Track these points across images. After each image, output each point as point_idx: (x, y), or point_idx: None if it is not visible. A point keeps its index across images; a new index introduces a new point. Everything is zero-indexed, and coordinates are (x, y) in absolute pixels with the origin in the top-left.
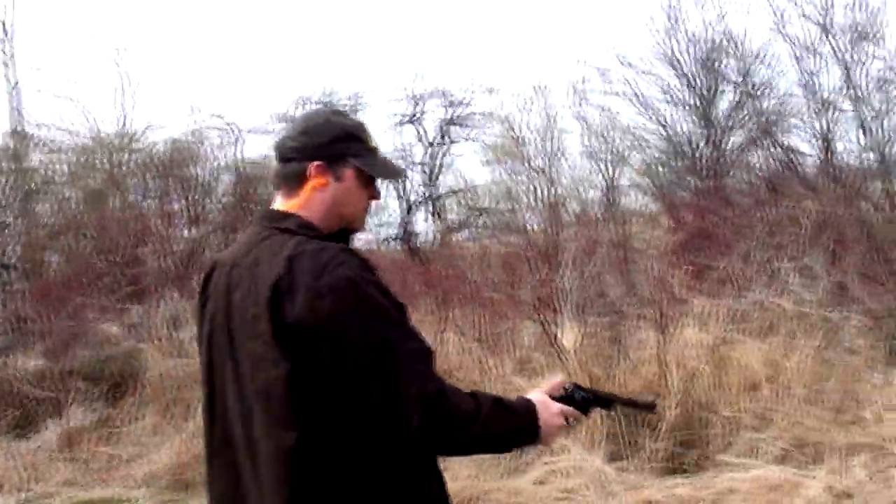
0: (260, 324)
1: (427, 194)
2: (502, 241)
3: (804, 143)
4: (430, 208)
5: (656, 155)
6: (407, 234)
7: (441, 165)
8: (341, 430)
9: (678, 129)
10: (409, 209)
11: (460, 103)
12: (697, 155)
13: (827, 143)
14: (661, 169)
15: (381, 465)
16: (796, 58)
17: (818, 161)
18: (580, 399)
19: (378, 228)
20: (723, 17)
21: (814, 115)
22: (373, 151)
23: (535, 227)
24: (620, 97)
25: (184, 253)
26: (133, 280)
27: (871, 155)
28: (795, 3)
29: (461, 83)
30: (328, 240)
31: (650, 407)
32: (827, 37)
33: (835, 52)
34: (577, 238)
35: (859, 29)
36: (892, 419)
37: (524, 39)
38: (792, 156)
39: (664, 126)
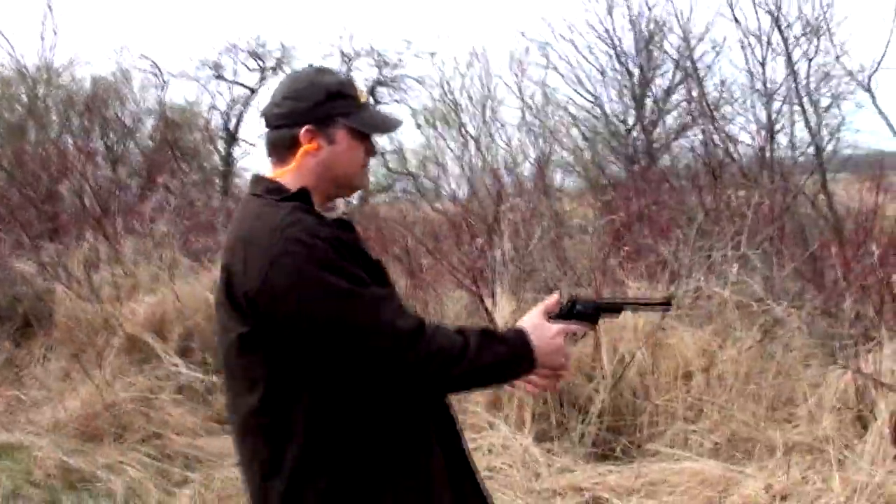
0: (221, 291)
1: None
2: (434, 208)
3: (745, 133)
4: None
5: (589, 134)
6: None
7: None
8: (313, 392)
9: (612, 109)
10: None
11: (392, 64)
12: (631, 136)
13: (770, 134)
14: (594, 148)
15: (360, 427)
16: (742, 46)
17: (758, 152)
18: (583, 311)
19: None
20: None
21: (757, 105)
22: (363, 107)
23: (465, 195)
24: (557, 72)
25: (103, 193)
26: (50, 217)
27: (811, 149)
28: None
29: (394, 44)
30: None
31: (666, 304)
32: (776, 27)
33: (784, 42)
34: (514, 210)
35: (809, 22)
36: (828, 419)
37: (464, 6)
38: (731, 144)
39: (599, 105)
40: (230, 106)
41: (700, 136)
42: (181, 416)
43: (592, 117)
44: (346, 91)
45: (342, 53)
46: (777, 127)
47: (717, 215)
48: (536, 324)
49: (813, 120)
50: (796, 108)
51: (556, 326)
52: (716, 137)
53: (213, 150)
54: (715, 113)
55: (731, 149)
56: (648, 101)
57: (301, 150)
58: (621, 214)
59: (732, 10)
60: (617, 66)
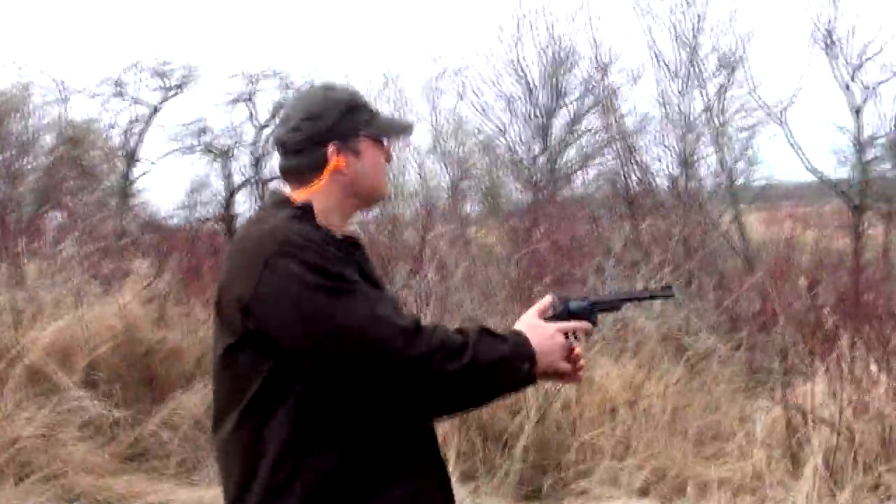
0: (214, 305)
1: (253, 176)
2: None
3: (658, 163)
4: (256, 191)
5: (498, 163)
6: (228, 216)
7: (270, 148)
8: (289, 410)
9: (519, 137)
10: (233, 191)
11: (296, 87)
12: (538, 164)
13: (685, 165)
14: (502, 177)
15: (334, 449)
16: (657, 78)
17: (673, 183)
18: (579, 311)
19: (198, 207)
20: (574, 28)
21: (672, 136)
22: (376, 114)
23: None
24: (466, 101)
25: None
26: None
27: (725, 181)
28: (669, 23)
29: (301, 67)
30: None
31: (667, 292)
32: (692, 60)
33: (700, 75)
34: (437, 239)
35: (725, 55)
36: (758, 455)
37: (378, 31)
38: (647, 174)
39: (505, 134)
40: (131, 124)
41: (613, 166)
42: (86, 454)
43: (502, 147)
44: (360, 102)
45: (246, 74)
46: (692, 158)
47: (637, 245)
48: (533, 324)
49: (727, 152)
50: (711, 139)
51: (554, 325)
52: (632, 168)
53: (111, 168)
54: (630, 143)
55: (647, 179)
56: (555, 130)
57: (329, 169)
58: (542, 244)
59: (650, 42)
60: (524, 94)
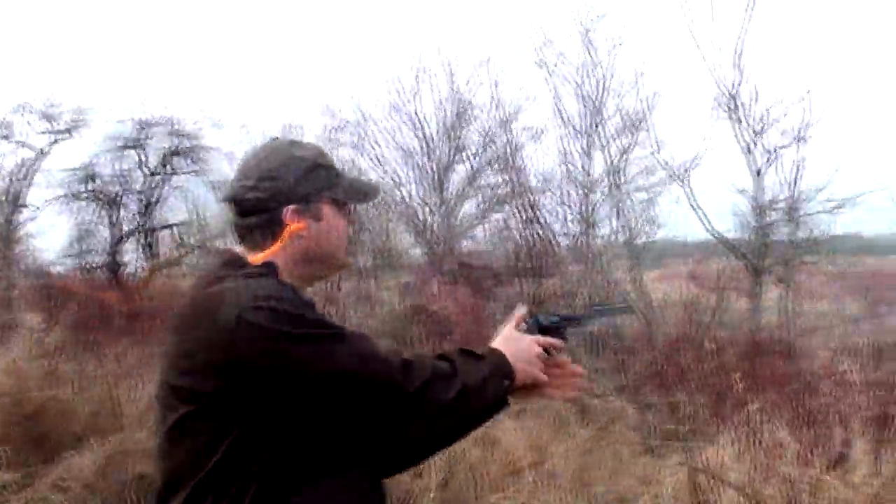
0: (162, 379)
1: (141, 225)
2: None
3: (558, 222)
4: (143, 239)
5: (393, 216)
6: (115, 264)
7: (160, 196)
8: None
9: (414, 193)
10: (121, 239)
11: (187, 135)
12: (433, 220)
13: (587, 225)
14: (397, 230)
15: None
16: (560, 137)
17: (573, 242)
18: (550, 326)
19: (84, 255)
20: (476, 82)
21: (574, 196)
22: (340, 175)
23: None
24: (363, 154)
25: None
26: None
27: (622, 239)
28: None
29: (194, 113)
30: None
31: (625, 307)
32: (596, 120)
33: (603, 135)
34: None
35: (628, 115)
36: None
37: (276, 81)
38: (549, 233)
39: (401, 188)
40: (17, 168)
41: (512, 222)
42: None
43: (396, 201)
44: (324, 162)
45: (136, 120)
46: (593, 218)
47: (539, 305)
48: (510, 336)
49: (629, 212)
50: (614, 199)
51: (529, 337)
52: (533, 227)
53: None
54: (532, 200)
55: (549, 237)
56: (452, 185)
57: (287, 232)
58: (444, 302)
59: (555, 100)
60: (421, 148)
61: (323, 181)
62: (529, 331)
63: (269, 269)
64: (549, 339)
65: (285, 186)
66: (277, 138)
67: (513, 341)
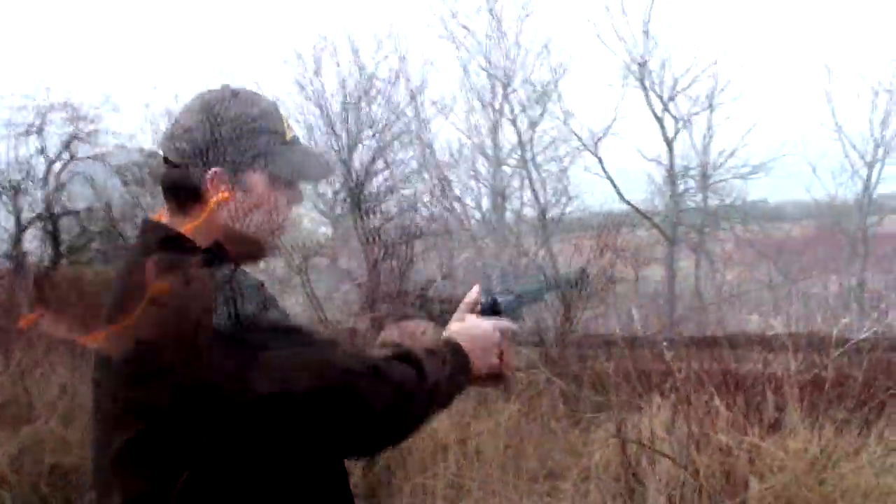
0: (103, 392)
1: (45, 212)
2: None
3: (470, 197)
4: (46, 226)
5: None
6: (18, 253)
7: (63, 182)
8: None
9: None
10: (24, 227)
11: (88, 119)
12: (339, 197)
13: (500, 197)
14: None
15: None
16: (469, 110)
17: (486, 215)
18: (506, 306)
19: None
20: (381, 56)
21: (485, 169)
22: (288, 144)
23: None
24: None
25: None
26: None
27: (536, 213)
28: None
29: (92, 99)
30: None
31: (582, 276)
32: (506, 93)
33: (511, 108)
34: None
35: (538, 88)
36: (595, 492)
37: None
38: (460, 206)
39: None
40: None
41: (421, 197)
42: None
43: None
44: (268, 123)
45: (35, 106)
46: (505, 190)
47: (452, 278)
48: (469, 325)
49: (540, 184)
50: (524, 171)
51: (488, 323)
52: (444, 201)
53: None
54: (442, 174)
55: (460, 211)
56: (357, 162)
57: (211, 201)
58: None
59: (462, 74)
60: (324, 126)
61: (261, 147)
62: (485, 313)
63: (220, 252)
64: (506, 324)
65: (211, 144)
66: (227, 86)
67: (473, 329)
